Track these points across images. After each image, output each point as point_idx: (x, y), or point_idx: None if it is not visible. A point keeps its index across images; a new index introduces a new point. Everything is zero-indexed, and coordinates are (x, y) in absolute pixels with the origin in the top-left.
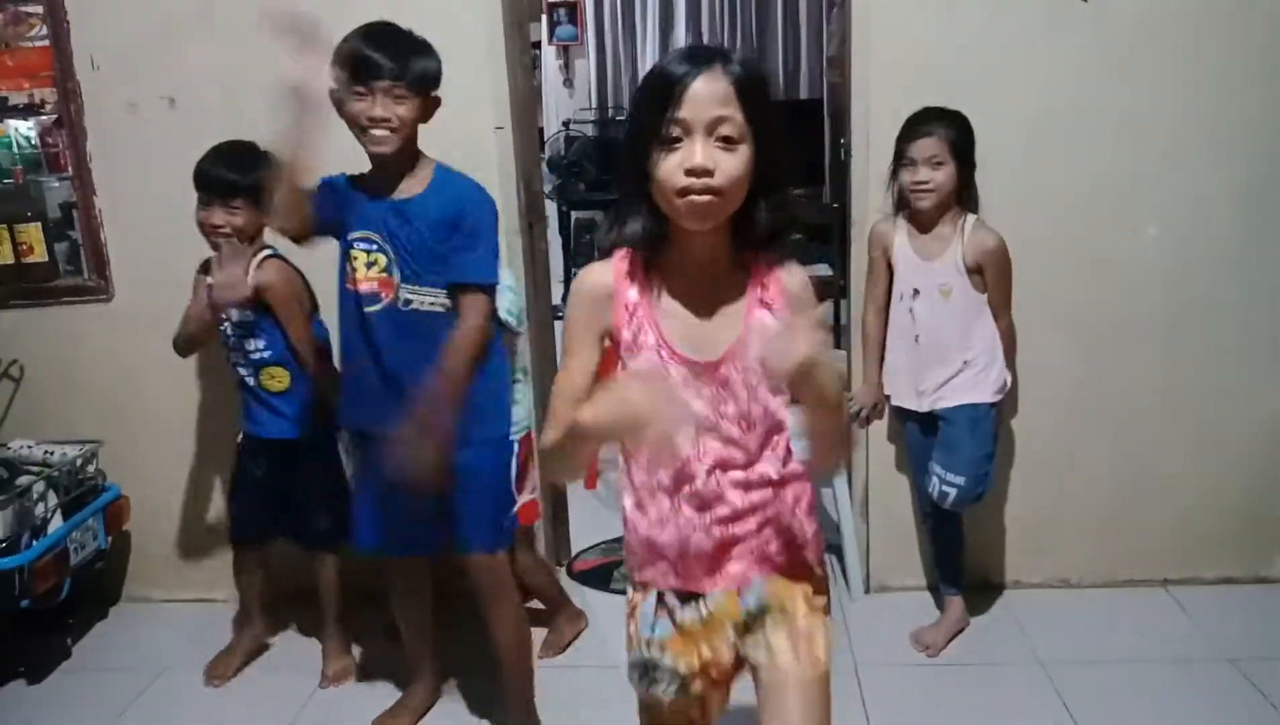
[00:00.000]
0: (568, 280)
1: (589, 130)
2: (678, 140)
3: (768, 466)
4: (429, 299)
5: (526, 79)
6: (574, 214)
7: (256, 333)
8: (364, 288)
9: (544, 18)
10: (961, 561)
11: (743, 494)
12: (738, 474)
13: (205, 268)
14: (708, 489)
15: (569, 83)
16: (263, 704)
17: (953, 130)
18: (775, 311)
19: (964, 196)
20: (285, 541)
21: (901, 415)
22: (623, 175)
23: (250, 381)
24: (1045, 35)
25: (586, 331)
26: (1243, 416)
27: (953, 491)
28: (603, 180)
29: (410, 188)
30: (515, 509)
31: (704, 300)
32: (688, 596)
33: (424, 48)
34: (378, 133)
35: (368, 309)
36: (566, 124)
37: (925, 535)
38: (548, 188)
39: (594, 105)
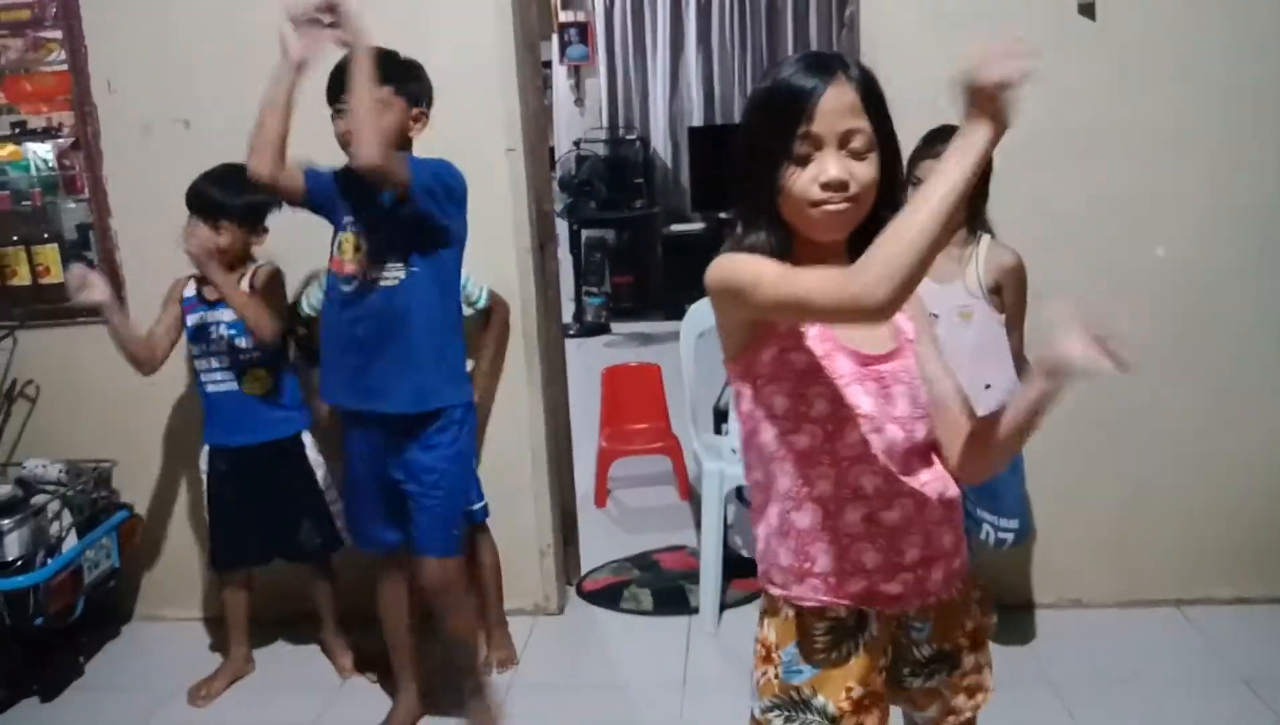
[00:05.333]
0: (579, 299)
1: (600, 149)
2: (808, 155)
3: (934, 473)
4: (389, 273)
5: (538, 100)
6: (584, 232)
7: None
8: (348, 270)
9: (555, 37)
10: None
11: (912, 503)
12: (912, 479)
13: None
14: (890, 493)
15: (580, 102)
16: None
17: None
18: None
19: (976, 219)
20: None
21: None
22: (743, 190)
23: (230, 387)
24: (1051, 53)
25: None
26: (1255, 435)
27: (1010, 536)
28: (614, 199)
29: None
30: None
31: None
32: (847, 626)
33: (396, 63)
34: (351, 150)
35: (344, 288)
36: (578, 143)
37: None
38: (559, 206)
39: (605, 124)
